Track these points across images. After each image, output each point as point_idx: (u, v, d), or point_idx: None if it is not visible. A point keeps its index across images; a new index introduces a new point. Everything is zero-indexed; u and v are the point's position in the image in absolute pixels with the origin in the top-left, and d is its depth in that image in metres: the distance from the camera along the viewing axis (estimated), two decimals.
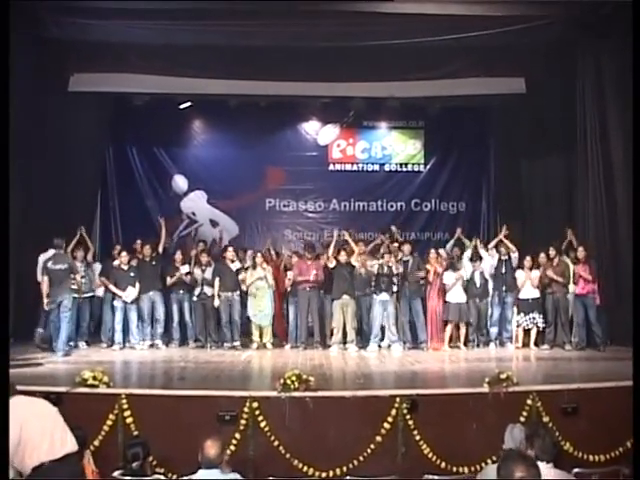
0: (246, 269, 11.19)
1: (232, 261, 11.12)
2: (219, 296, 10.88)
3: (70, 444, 4.78)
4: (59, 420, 4.84)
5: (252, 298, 11.04)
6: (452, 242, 12.26)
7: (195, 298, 11.18)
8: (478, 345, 10.97)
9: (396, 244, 11.47)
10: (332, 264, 10.89)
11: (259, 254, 11.38)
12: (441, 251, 11.50)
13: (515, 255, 11.11)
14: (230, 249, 11.35)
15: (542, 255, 11.03)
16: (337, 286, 10.78)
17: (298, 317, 11.07)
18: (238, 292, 11.03)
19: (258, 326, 11.04)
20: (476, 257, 11.09)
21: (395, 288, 10.66)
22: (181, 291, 11.27)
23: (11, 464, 4.50)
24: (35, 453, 4.58)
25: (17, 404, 4.77)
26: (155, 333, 11.11)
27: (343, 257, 10.83)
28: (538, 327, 10.85)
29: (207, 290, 11.06)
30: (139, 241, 11.69)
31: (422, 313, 10.80)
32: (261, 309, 11.02)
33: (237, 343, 10.88)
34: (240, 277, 11.08)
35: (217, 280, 10.93)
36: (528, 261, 10.98)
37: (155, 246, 11.46)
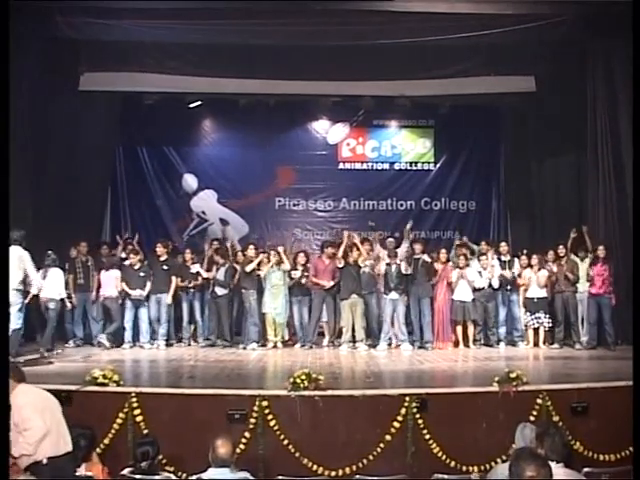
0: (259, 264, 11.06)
1: (251, 260, 11.02)
2: (242, 293, 10.89)
3: (69, 442, 4.81)
4: (61, 415, 4.88)
5: (269, 295, 10.95)
6: (454, 247, 12.00)
7: (208, 297, 11.20)
8: (487, 344, 10.96)
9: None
10: (341, 264, 10.89)
11: (278, 251, 11.19)
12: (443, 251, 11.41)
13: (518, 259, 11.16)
14: (251, 247, 11.24)
15: (550, 253, 11.00)
16: (345, 286, 10.78)
17: (309, 316, 11.05)
18: (255, 290, 10.96)
19: (273, 324, 11.00)
20: (482, 259, 11.11)
21: (404, 287, 10.68)
22: (192, 290, 11.29)
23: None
24: (46, 445, 4.59)
25: (31, 392, 4.76)
26: (165, 332, 11.10)
27: (351, 257, 10.83)
28: (544, 326, 10.82)
29: (218, 290, 11.03)
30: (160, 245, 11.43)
31: (429, 312, 10.78)
32: (276, 306, 10.94)
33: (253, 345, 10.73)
34: (258, 274, 10.98)
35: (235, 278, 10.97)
36: (535, 260, 10.96)
37: (167, 247, 11.49)
